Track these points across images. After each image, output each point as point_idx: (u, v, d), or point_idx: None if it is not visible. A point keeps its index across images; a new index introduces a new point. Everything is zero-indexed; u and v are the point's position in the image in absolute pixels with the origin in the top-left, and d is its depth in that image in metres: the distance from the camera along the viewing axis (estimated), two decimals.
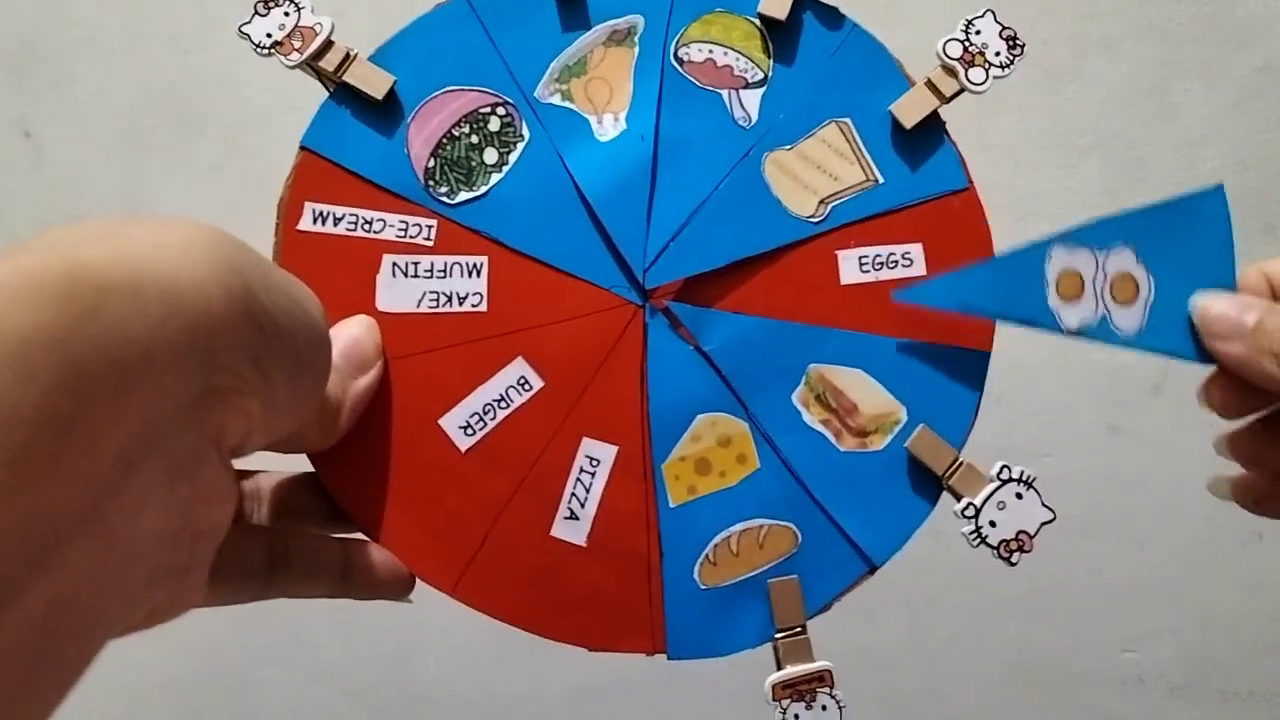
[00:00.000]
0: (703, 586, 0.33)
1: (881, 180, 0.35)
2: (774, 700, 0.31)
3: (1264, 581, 0.81)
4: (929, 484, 0.33)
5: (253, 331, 0.22)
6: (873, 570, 0.33)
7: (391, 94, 0.34)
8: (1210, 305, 0.33)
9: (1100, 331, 0.33)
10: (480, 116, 0.35)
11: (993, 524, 0.32)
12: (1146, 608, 0.82)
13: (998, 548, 0.32)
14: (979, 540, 0.32)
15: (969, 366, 0.34)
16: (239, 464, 0.26)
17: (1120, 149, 0.78)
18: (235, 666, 0.84)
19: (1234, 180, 0.78)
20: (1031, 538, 0.32)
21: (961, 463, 0.33)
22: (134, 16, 0.83)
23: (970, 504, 0.32)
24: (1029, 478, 0.32)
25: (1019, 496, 0.32)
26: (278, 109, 0.81)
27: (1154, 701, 0.83)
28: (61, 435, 0.17)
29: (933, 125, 0.35)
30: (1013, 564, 0.32)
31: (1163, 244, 0.34)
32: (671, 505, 0.33)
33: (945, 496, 0.33)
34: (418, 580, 0.33)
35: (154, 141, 0.84)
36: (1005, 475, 0.32)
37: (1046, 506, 0.32)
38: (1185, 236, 0.34)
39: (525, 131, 0.35)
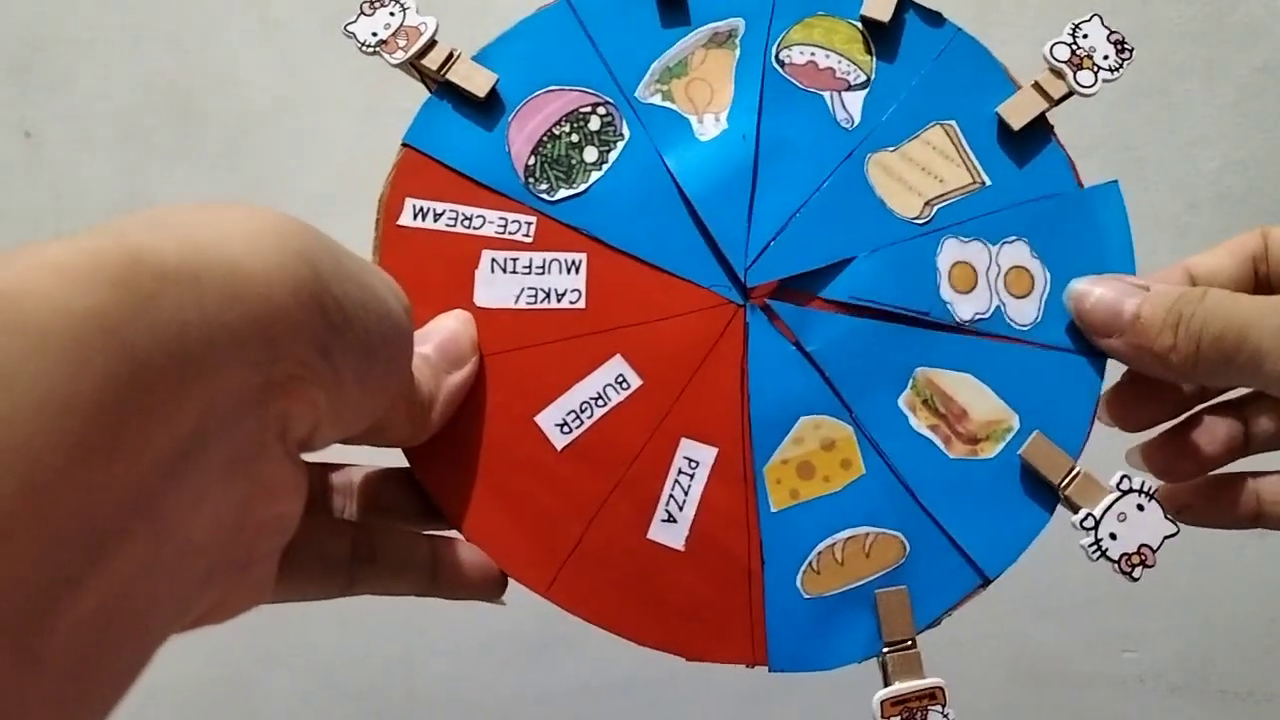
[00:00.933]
0: (805, 595, 0.31)
1: (988, 182, 0.34)
2: (883, 718, 0.30)
3: (1264, 581, 0.79)
4: (1044, 494, 0.32)
5: (320, 321, 0.21)
6: (986, 583, 0.31)
7: (493, 93, 0.34)
8: (1085, 293, 0.31)
9: (995, 324, 0.33)
10: (581, 116, 0.34)
11: (1113, 536, 0.30)
12: (1146, 608, 0.79)
13: (1118, 561, 0.30)
14: (1099, 553, 0.30)
15: (1083, 371, 0.33)
16: (316, 457, 0.25)
17: (1120, 149, 0.77)
18: (240, 668, 0.83)
19: (1234, 180, 0.78)
20: (1154, 551, 0.30)
21: (1079, 472, 0.31)
22: (134, 16, 0.83)
23: (1089, 515, 0.30)
24: (1150, 489, 0.31)
25: (1140, 508, 0.30)
26: (278, 109, 0.81)
27: (1154, 701, 0.80)
28: (117, 425, 0.16)
29: (1040, 128, 0.35)
30: (1135, 579, 0.30)
31: (1058, 237, 0.33)
32: (773, 510, 0.32)
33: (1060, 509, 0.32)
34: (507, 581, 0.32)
35: (154, 141, 0.83)
36: (1126, 486, 0.31)
37: (1169, 519, 0.30)
38: (1081, 230, 0.33)
39: (625, 131, 0.34)
